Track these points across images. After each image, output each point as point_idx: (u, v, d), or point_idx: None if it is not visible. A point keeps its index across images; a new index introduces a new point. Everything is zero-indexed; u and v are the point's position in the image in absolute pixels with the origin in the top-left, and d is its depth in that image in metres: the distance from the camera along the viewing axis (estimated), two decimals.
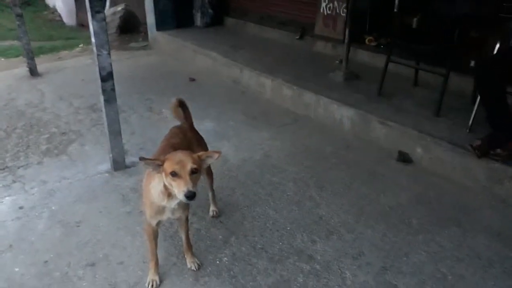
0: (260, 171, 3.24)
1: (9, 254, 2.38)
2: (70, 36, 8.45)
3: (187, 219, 2.20)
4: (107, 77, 2.99)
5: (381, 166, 3.30)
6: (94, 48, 2.89)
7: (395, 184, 3.04)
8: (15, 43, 7.52)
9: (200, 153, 1.90)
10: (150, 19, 6.70)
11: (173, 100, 2.57)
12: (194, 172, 1.76)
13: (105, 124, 3.13)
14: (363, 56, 5.00)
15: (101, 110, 4.32)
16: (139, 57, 6.60)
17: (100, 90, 3.02)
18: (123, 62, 6.31)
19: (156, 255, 2.18)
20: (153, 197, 1.97)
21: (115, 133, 3.17)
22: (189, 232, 2.28)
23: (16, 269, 2.27)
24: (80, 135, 3.93)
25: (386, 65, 3.94)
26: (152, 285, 2.14)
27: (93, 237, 2.52)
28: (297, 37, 5.81)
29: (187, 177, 1.74)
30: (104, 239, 2.50)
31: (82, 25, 9.26)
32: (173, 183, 1.77)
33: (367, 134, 3.66)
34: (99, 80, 2.98)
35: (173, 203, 1.93)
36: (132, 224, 2.64)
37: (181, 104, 2.57)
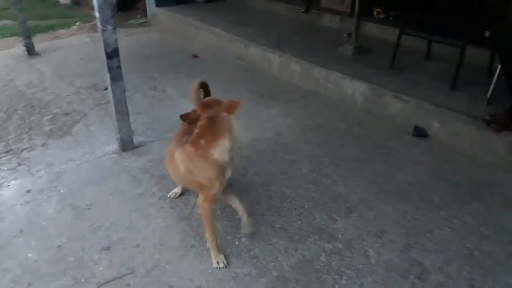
0: (273, 149, 3.16)
1: (20, 239, 2.30)
2: (66, 15, 8.18)
3: None
4: (112, 54, 2.85)
5: (396, 141, 3.21)
6: (99, 24, 2.74)
7: (411, 160, 2.97)
8: (9, 22, 7.30)
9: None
10: None
11: (195, 83, 2.43)
12: None
13: (112, 103, 3.02)
14: (371, 29, 4.85)
15: (104, 90, 4.27)
16: (139, 35, 6.41)
17: (106, 68, 2.89)
18: (122, 40, 6.09)
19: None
20: (218, 158, 1.92)
21: (122, 113, 3.06)
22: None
23: (29, 255, 2.20)
24: (84, 115, 3.82)
25: (399, 37, 3.80)
26: (223, 263, 2.08)
27: (106, 220, 2.45)
28: (302, 10, 5.62)
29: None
30: (118, 222, 2.43)
31: (77, 3, 9.00)
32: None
33: (381, 109, 3.56)
34: (105, 57, 2.85)
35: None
36: (145, 206, 2.56)
37: (203, 86, 2.46)
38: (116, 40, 2.86)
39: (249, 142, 3.27)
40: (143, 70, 4.87)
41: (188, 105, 3.92)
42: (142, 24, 6.84)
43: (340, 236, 2.25)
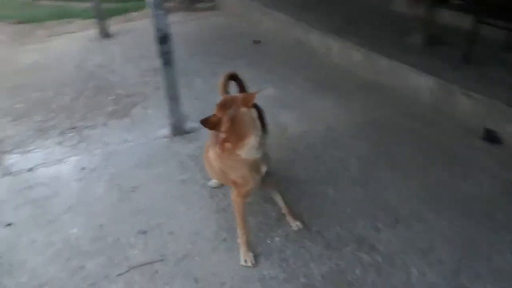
0: (322, 144, 3.00)
1: (68, 215, 2.44)
2: None
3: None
4: (164, 39, 2.87)
5: (464, 146, 2.88)
6: (151, 8, 2.76)
7: (479, 169, 2.64)
8: (90, 5, 7.77)
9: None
10: None
11: (223, 75, 2.37)
12: None
13: (164, 88, 3.06)
14: (445, 16, 4.37)
15: None
16: (206, 19, 6.46)
17: (158, 53, 2.92)
18: (188, 24, 6.23)
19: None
20: (247, 157, 1.87)
21: (173, 98, 3.09)
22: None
23: (74, 230, 2.32)
24: (145, 98, 3.94)
25: (475, 26, 3.37)
26: (252, 262, 2.03)
27: (148, 204, 2.50)
28: None
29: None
30: (158, 207, 2.47)
31: None
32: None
33: (449, 107, 3.22)
34: (157, 43, 2.87)
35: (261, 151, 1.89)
36: (187, 193, 2.57)
37: (233, 77, 2.38)
38: (167, 25, 2.88)
39: (298, 133, 3.14)
40: (206, 54, 4.90)
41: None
42: (209, 8, 6.88)
43: (382, 248, 2.07)
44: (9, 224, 2.37)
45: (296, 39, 4.94)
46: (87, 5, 6.57)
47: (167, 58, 2.94)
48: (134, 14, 7.00)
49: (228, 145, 1.81)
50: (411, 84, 3.51)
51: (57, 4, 8.38)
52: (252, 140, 1.80)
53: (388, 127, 3.17)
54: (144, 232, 2.28)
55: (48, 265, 2.09)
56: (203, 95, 3.91)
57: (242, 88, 2.44)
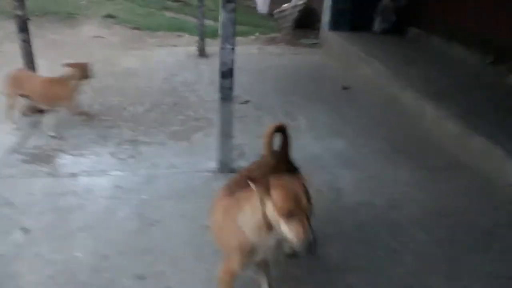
0: (376, 224, 2.52)
1: (81, 234, 2.34)
2: (255, 24, 8.69)
3: None
4: (227, 74, 2.71)
5: None
6: (219, 40, 2.62)
7: None
8: (210, 22, 8.15)
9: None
10: (326, 17, 6.28)
11: (271, 126, 2.09)
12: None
13: (217, 123, 2.88)
14: None
15: (241, 103, 4.25)
16: (304, 55, 6.28)
17: (219, 87, 2.76)
18: (284, 57, 6.11)
19: None
20: (245, 233, 1.56)
21: (225, 135, 2.90)
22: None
23: (78, 254, 2.20)
24: (210, 125, 3.82)
25: None
26: None
27: (160, 244, 2.30)
28: (489, 61, 4.54)
29: (305, 221, 1.36)
30: (169, 251, 2.25)
31: (271, 14, 9.46)
32: (286, 225, 1.38)
33: None
34: (220, 76, 2.72)
35: (272, 240, 1.53)
36: (204, 243, 2.29)
37: (281, 130, 2.09)
38: (232, 60, 2.71)
39: (352, 204, 2.71)
40: (289, 92, 4.68)
41: (309, 140, 3.64)
42: (312, 45, 6.69)
43: None
44: (24, 229, 2.35)
45: (388, 94, 4.46)
46: (208, 22, 6.86)
47: (226, 93, 2.77)
48: (238, 38, 7.12)
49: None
50: (509, 174, 2.85)
51: (177, 16, 9.00)
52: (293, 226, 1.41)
53: (466, 223, 2.56)
54: (143, 278, 2.07)
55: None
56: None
57: (285, 144, 2.15)
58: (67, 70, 3.38)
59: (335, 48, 6.08)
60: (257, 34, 7.45)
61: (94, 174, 2.94)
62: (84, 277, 2.06)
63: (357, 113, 4.14)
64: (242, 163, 3.10)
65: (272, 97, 4.51)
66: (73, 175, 2.91)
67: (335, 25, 6.17)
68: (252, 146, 3.44)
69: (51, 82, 3.43)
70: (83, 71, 3.42)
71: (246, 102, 4.39)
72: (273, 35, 7.36)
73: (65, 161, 3.10)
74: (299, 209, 1.37)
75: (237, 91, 4.54)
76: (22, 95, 3.49)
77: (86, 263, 2.14)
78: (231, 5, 2.50)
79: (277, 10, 7.80)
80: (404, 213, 2.64)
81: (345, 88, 4.74)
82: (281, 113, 4.13)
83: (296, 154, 3.30)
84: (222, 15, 2.54)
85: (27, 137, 3.41)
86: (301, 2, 7.28)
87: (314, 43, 6.75)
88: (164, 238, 2.36)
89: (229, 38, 2.59)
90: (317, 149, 3.46)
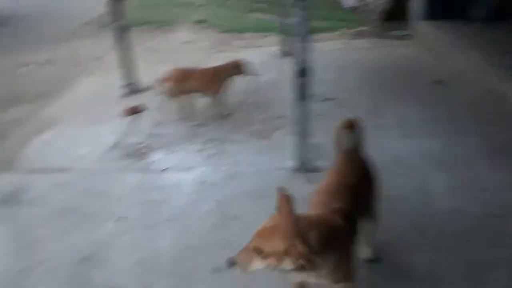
0: (469, 234, 2.28)
1: (165, 226, 2.51)
2: (340, 18, 8.48)
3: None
4: (302, 72, 2.68)
5: None
6: (295, 38, 2.60)
7: None
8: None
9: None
10: (416, 5, 5.87)
11: (343, 120, 2.04)
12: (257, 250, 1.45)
13: (293, 122, 2.86)
14: None
15: (322, 100, 4.17)
16: (393, 48, 5.94)
17: (294, 85, 2.74)
18: (372, 51, 5.85)
19: None
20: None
21: (302, 134, 2.88)
22: None
23: (161, 244, 2.36)
24: (290, 123, 3.83)
25: None
26: None
27: (239, 239, 2.30)
28: None
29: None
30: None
31: (357, 7, 9.15)
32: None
33: None
34: (295, 75, 2.70)
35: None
36: None
37: (351, 127, 2.00)
38: (308, 59, 2.68)
39: (444, 212, 2.48)
40: (373, 88, 4.49)
41: (397, 139, 3.43)
42: (402, 37, 6.30)
43: None
44: (117, 219, 2.58)
45: (487, 88, 4.01)
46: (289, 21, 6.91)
47: (302, 92, 2.74)
48: (322, 35, 7.01)
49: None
50: None
51: (263, 17, 9.17)
52: None
53: None
54: (220, 271, 2.15)
55: (126, 272, 2.18)
56: None
57: (356, 142, 2.06)
58: (225, 64, 3.80)
59: (427, 39, 5.66)
60: (342, 28, 7.25)
61: (181, 170, 3.12)
62: (166, 265, 2.21)
63: (451, 109, 3.80)
64: (321, 163, 3.05)
65: (357, 94, 4.35)
66: (162, 171, 3.12)
67: (427, 14, 5.72)
68: (331, 146, 3.36)
69: (209, 71, 3.85)
70: (238, 68, 3.76)
71: (329, 99, 4.30)
72: (359, 28, 7.09)
73: (156, 158, 3.34)
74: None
75: (320, 88, 4.50)
76: (184, 91, 3.84)
77: (169, 253, 2.29)
78: (303, 2, 2.46)
79: (363, 2, 7.50)
80: (505, 223, 2.36)
81: (437, 82, 4.38)
82: (366, 111, 3.95)
83: (381, 154, 3.16)
84: (295, 12, 2.52)
85: (125, 136, 3.75)
86: None
87: (405, 34, 6.35)
88: (242, 233, 2.38)
89: (303, 36, 2.56)
90: (405, 149, 3.25)
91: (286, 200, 1.43)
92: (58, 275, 2.16)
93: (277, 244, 1.37)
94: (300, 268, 1.38)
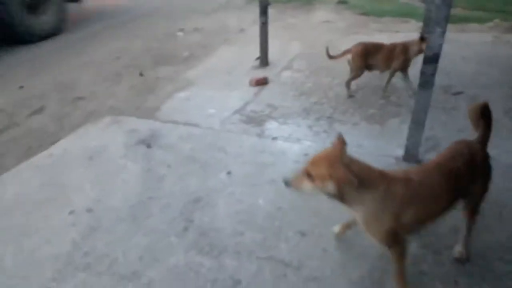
0: None
1: (267, 187, 2.76)
2: (496, 8, 7.54)
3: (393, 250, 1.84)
4: (431, 59, 2.59)
5: None
6: (432, 23, 2.52)
7: None
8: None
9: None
10: None
11: (476, 104, 2.00)
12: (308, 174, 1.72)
13: (413, 109, 2.80)
14: None
15: (454, 94, 3.92)
16: None
17: (421, 72, 2.67)
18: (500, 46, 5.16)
19: None
20: None
21: (418, 123, 2.80)
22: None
23: (260, 201, 2.63)
24: (410, 112, 3.70)
25: None
26: None
27: (326, 210, 2.50)
28: None
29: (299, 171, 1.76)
30: (334, 217, 2.43)
31: None
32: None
33: None
34: (424, 61, 2.63)
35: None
36: None
37: (484, 112, 1.96)
38: (440, 45, 2.57)
39: None
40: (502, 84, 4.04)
41: None
42: None
43: None
44: (229, 172, 2.94)
45: None
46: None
47: (427, 80, 2.66)
48: (472, 25, 6.37)
49: None
50: None
51: (409, 1, 8.66)
52: None
53: None
54: (304, 235, 2.34)
55: (225, 219, 2.50)
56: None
57: (486, 130, 2.01)
58: (412, 41, 3.92)
59: None
60: (496, 20, 6.47)
61: (290, 140, 3.34)
62: (259, 220, 2.47)
63: None
64: (431, 156, 2.96)
65: (494, 91, 3.97)
66: (275, 138, 3.39)
67: None
68: (450, 140, 3.16)
69: (398, 46, 3.96)
70: (420, 46, 3.81)
71: (460, 93, 4.01)
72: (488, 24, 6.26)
73: (271, 126, 3.61)
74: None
75: (453, 80, 4.26)
76: (367, 66, 4.06)
77: (264, 210, 2.55)
78: None
79: None
80: None
81: None
82: (499, 109, 3.61)
83: (503, 158, 2.94)
84: None
85: (249, 103, 4.11)
86: None
87: None
88: (332, 208, 2.54)
89: (441, 21, 2.46)
90: None
91: (341, 140, 1.76)
92: (171, 209, 2.59)
93: (324, 169, 1.66)
94: (340, 191, 1.67)
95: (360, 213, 1.76)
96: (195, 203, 2.64)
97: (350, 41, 5.82)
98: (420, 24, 6.33)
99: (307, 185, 1.72)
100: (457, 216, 2.07)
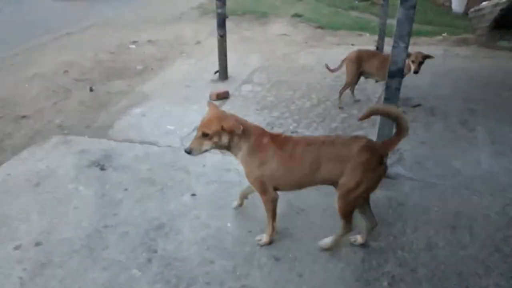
0: None
1: (231, 209, 2.62)
2: (445, 23, 7.93)
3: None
4: (395, 74, 2.58)
5: None
6: (393, 38, 2.51)
7: None
8: (393, 22, 7.84)
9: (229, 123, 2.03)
10: None
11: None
12: (204, 135, 2.07)
13: (379, 123, 2.78)
14: None
15: (413, 106, 3.98)
16: (498, 59, 5.46)
17: (385, 86, 2.66)
18: (474, 60, 5.43)
19: None
20: None
21: (383, 136, 2.77)
22: None
23: (228, 224, 2.48)
24: (372, 125, 3.67)
25: None
26: None
27: (300, 233, 2.40)
28: None
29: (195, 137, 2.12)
30: (306, 240, 2.33)
31: (467, 13, 8.49)
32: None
33: None
34: (388, 76, 2.62)
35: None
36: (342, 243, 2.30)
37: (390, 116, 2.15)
38: (404, 60, 2.57)
39: None
40: (468, 99, 4.21)
41: (486, 156, 3.17)
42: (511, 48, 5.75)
43: None
44: (193, 194, 2.76)
45: None
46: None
47: (391, 94, 2.65)
48: (423, 39, 6.63)
49: None
50: None
51: (362, 15, 8.92)
52: None
53: None
54: (278, 260, 2.21)
55: (192, 246, 2.32)
56: (432, 143, 3.39)
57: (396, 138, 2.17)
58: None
59: None
60: (444, 34, 6.80)
61: None
62: (229, 245, 2.32)
63: None
64: (399, 169, 2.96)
65: (449, 103, 4.10)
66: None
67: None
68: (413, 153, 3.23)
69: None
70: (417, 58, 3.76)
71: (418, 105, 4.10)
72: (464, 35, 6.59)
73: None
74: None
75: (411, 93, 4.33)
76: (362, 72, 4.09)
77: (233, 234, 2.41)
78: (409, 2, 2.36)
79: (474, 8, 6.92)
80: None
81: None
82: (458, 121, 3.72)
83: (466, 170, 2.97)
84: (399, 12, 2.43)
85: None
86: (504, 0, 6.26)
87: None
88: (305, 227, 2.45)
89: (403, 36, 2.46)
90: (494, 167, 3.02)
91: (211, 104, 2.24)
92: (131, 238, 2.37)
93: (216, 125, 2.04)
94: (230, 140, 2.08)
95: (240, 159, 2.17)
96: (157, 230, 2.44)
97: (307, 55, 5.92)
98: (375, 37, 6.51)
99: (206, 144, 2.08)
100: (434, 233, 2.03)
